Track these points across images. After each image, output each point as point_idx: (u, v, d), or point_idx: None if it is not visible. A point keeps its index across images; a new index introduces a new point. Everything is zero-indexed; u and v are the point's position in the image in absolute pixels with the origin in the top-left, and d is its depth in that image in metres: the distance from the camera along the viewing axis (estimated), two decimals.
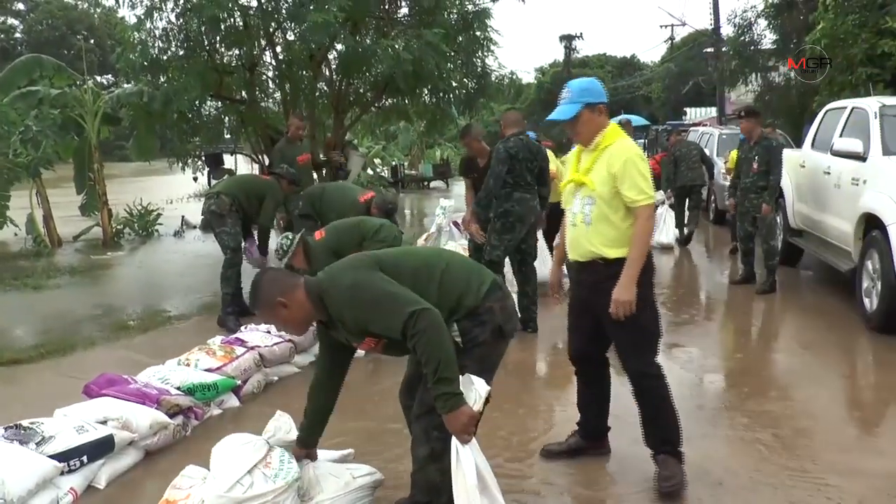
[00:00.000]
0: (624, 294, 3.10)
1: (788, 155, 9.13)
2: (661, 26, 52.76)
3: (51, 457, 3.24)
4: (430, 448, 2.73)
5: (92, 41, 42.70)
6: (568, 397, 4.31)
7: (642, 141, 15.32)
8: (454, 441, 2.53)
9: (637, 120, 15.89)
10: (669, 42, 40.27)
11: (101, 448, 3.45)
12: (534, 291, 6.09)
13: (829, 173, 7.18)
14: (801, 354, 5.56)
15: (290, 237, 5.36)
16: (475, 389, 2.55)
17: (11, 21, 52.36)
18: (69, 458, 3.30)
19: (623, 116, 8.15)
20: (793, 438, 3.86)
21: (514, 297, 5.66)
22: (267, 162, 10.76)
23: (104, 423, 3.57)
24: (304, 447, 3.06)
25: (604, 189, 3.15)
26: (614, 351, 3.41)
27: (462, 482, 2.48)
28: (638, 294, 3.11)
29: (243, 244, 6.33)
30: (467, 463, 2.49)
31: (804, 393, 4.64)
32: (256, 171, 10.43)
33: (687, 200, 10.85)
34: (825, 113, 8.15)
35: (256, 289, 2.77)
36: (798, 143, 11.15)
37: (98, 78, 25.24)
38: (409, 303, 2.54)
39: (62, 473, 3.26)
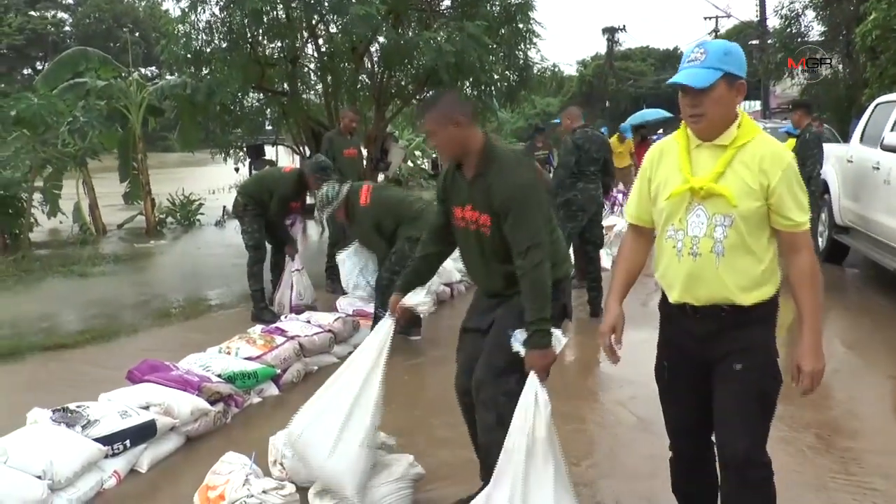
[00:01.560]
0: (817, 361, 2.33)
1: (835, 149, 8.95)
2: (706, 18, 51.83)
3: (95, 440, 3.32)
4: (497, 414, 2.75)
5: (137, 34, 43.40)
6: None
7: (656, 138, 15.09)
8: (534, 381, 2.59)
9: (652, 114, 15.56)
10: (714, 34, 39.58)
11: (144, 433, 3.52)
12: (598, 279, 6.37)
13: (878, 169, 7.01)
14: (846, 354, 5.44)
15: (336, 188, 5.35)
16: (557, 337, 2.66)
17: (61, 15, 53.54)
18: (113, 441, 3.38)
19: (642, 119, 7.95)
20: (836, 440, 3.79)
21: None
22: (308, 153, 10.87)
23: (147, 408, 3.65)
24: (401, 291, 3.01)
25: (748, 205, 2.20)
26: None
27: (535, 420, 2.54)
28: (769, 349, 2.38)
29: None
30: (544, 404, 2.56)
31: (848, 393, 4.55)
32: (297, 162, 10.51)
33: None
34: (875, 106, 7.95)
35: (443, 96, 2.91)
36: (845, 138, 10.92)
37: (143, 70, 25.66)
38: (544, 235, 2.69)
39: (106, 456, 3.34)
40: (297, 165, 6.57)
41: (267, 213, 6.21)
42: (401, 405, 4.31)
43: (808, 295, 2.29)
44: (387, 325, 2.96)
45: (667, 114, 13.90)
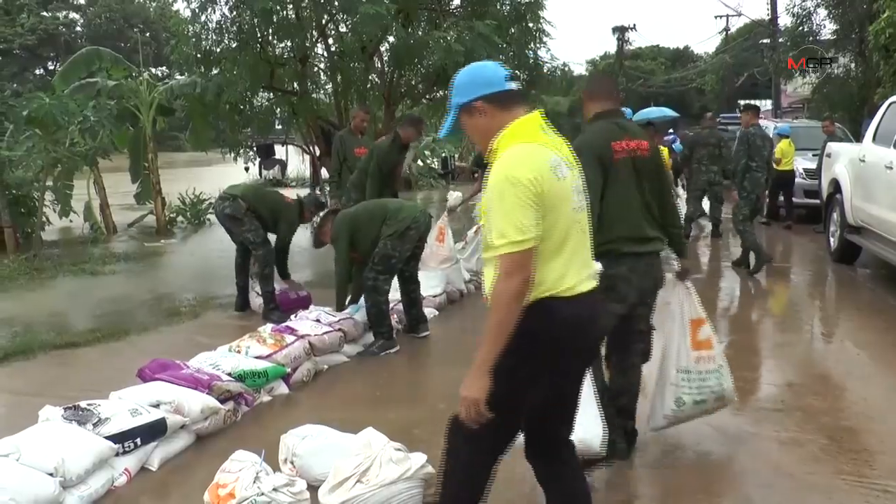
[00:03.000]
0: (469, 389, 2.13)
1: (847, 149, 8.92)
2: (716, 17, 51.76)
3: (106, 438, 3.33)
4: None
5: (148, 34, 43.62)
6: None
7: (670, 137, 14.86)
8: None
9: (655, 112, 15.43)
10: (724, 33, 39.48)
11: (154, 431, 3.53)
12: None
13: (892, 168, 6.97)
14: (858, 355, 5.42)
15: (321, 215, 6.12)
16: None
17: (73, 15, 53.86)
18: (124, 439, 3.39)
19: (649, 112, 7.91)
20: (848, 441, 3.76)
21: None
22: (318, 152, 10.90)
23: (157, 406, 3.66)
24: None
25: (483, 221, 2.25)
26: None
27: None
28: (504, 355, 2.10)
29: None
30: None
31: (860, 394, 4.52)
32: (307, 164, 10.50)
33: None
34: (889, 105, 7.90)
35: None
36: (857, 137, 10.86)
37: (153, 70, 25.76)
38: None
39: (117, 454, 3.35)
40: (295, 196, 6.74)
41: (264, 227, 6.36)
42: (412, 403, 4.31)
43: (489, 318, 2.11)
44: None
45: (671, 113, 13.81)
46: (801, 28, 18.44)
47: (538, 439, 2.42)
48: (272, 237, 6.43)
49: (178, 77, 12.23)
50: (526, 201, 2.08)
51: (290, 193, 6.81)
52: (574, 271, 2.20)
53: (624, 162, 3.27)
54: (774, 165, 10.05)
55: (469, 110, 2.27)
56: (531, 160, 2.14)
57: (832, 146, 9.68)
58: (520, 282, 2.07)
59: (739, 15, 42.74)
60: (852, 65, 17.75)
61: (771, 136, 9.93)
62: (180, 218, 13.02)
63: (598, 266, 2.41)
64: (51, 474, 3.01)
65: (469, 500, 2.39)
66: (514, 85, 2.31)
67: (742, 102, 14.99)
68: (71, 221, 11.65)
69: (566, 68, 11.28)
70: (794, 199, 11.97)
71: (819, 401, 4.38)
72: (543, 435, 2.42)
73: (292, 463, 3.29)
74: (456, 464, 2.37)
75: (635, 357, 3.50)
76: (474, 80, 2.30)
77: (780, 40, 22.14)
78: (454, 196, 8.13)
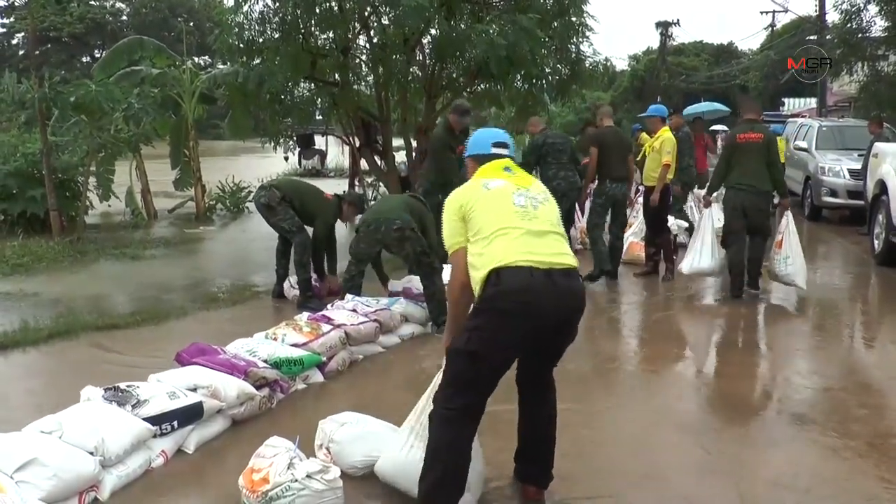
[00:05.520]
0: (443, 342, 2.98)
1: (894, 149, 8.73)
2: (762, 13, 50.49)
3: (145, 419, 3.39)
4: None
5: (192, 24, 44.14)
6: None
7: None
8: None
9: (705, 107, 15.14)
10: (770, 29, 38.73)
11: (191, 414, 3.58)
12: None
13: None
14: None
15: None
16: None
17: (119, 4, 54.73)
18: (161, 422, 3.44)
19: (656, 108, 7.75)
20: (889, 448, 3.68)
21: None
22: (358, 143, 10.93)
23: (194, 390, 3.71)
24: None
25: None
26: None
27: None
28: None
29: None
30: None
31: None
32: (346, 154, 10.48)
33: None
34: None
35: None
36: None
37: (196, 59, 26.05)
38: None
39: (154, 436, 3.41)
40: (334, 194, 6.75)
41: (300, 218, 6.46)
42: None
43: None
44: None
45: (723, 108, 13.61)
46: (849, 24, 17.97)
47: (523, 371, 3.03)
48: (311, 230, 6.49)
49: (221, 66, 12.35)
50: (451, 217, 2.89)
51: (330, 191, 6.81)
52: (521, 250, 2.69)
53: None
54: None
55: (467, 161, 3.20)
56: (461, 190, 2.96)
57: (879, 146, 9.48)
58: (457, 271, 2.88)
59: (786, 11, 41.76)
60: None
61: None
62: (219, 205, 13.17)
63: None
64: (91, 453, 3.06)
65: (445, 474, 2.72)
66: (496, 150, 3.07)
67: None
68: (109, 206, 11.80)
69: (608, 63, 11.14)
70: (837, 199, 11.96)
71: (860, 406, 4.29)
72: (525, 371, 3.02)
73: (328, 449, 3.32)
74: (434, 441, 2.75)
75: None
76: (471, 142, 3.23)
77: (828, 37, 21.65)
78: None
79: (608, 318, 6.50)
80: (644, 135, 8.67)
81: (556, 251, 2.77)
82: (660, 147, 7.50)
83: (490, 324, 2.68)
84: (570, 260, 2.79)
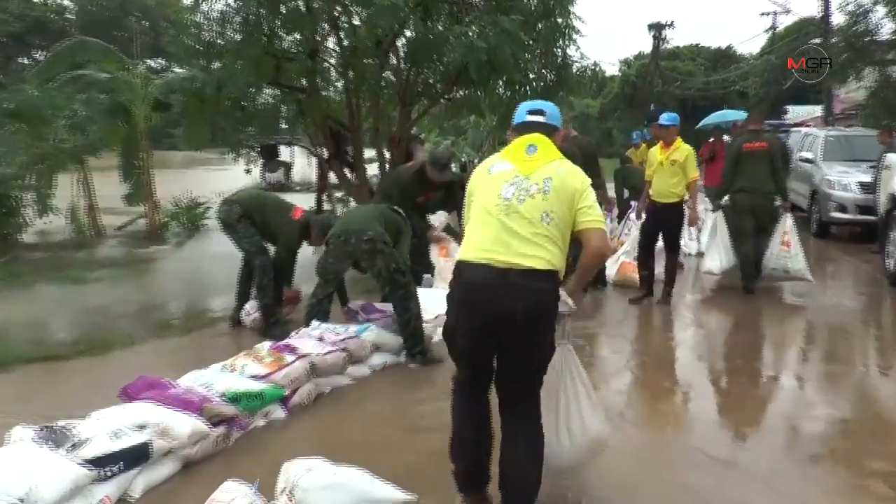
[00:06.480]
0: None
1: None
2: (762, 14, 51.44)
3: (85, 462, 3.29)
4: None
5: (145, 23, 44.01)
6: None
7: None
8: None
9: (732, 115, 15.32)
10: (771, 32, 39.35)
11: (137, 455, 3.50)
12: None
13: None
14: None
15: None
16: None
17: (65, 1, 54.42)
18: (104, 464, 3.35)
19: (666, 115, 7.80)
20: None
21: None
22: (326, 155, 10.89)
23: (142, 428, 3.62)
24: None
25: None
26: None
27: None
28: None
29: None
30: None
31: None
32: (314, 167, 10.39)
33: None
34: None
35: None
36: None
37: (149, 62, 25.96)
38: None
39: (96, 481, 3.31)
40: (303, 211, 6.64)
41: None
42: (415, 435, 4.26)
43: None
44: None
45: (740, 114, 13.74)
46: (856, 27, 18.26)
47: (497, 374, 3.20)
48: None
49: (177, 70, 12.28)
50: (468, 199, 3.29)
51: (299, 208, 6.68)
52: (483, 247, 3.03)
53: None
54: None
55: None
56: (475, 172, 3.34)
57: (891, 157, 9.58)
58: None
59: (788, 13, 42.54)
60: None
61: None
62: (174, 222, 13.07)
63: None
64: (20, 501, 2.97)
65: (455, 432, 3.28)
66: (530, 118, 3.33)
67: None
68: (48, 223, 11.57)
69: (597, 68, 11.19)
70: (846, 215, 12.03)
71: (875, 443, 4.28)
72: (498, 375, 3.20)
73: (291, 494, 3.24)
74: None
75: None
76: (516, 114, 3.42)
77: (833, 40, 21.98)
78: (439, 220, 8.08)
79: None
80: (648, 147, 8.74)
81: (519, 252, 2.99)
82: (685, 161, 7.47)
83: (450, 311, 3.18)
84: (531, 262, 2.98)
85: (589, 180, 3.19)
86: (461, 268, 3.10)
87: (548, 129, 3.28)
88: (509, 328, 2.98)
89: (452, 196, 7.47)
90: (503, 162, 3.21)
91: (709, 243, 8.79)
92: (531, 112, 3.34)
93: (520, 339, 3.03)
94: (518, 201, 3.05)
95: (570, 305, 3.17)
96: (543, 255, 3.00)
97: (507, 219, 3.04)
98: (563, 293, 3.13)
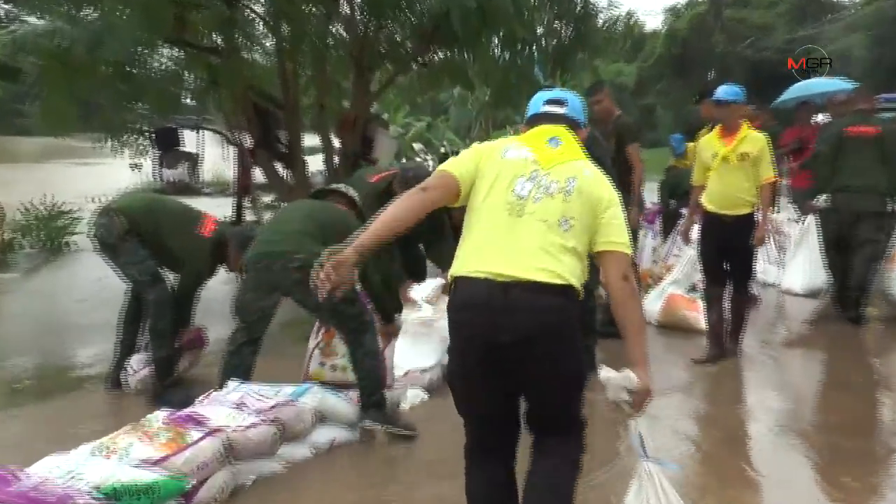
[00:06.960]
0: None
1: None
2: None
3: None
4: None
5: None
6: None
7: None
8: None
9: (822, 85, 15.37)
10: None
11: None
12: None
13: None
14: None
15: None
16: None
17: None
18: None
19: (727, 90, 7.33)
20: None
21: None
22: (249, 142, 10.90)
23: None
24: None
25: None
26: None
27: None
28: None
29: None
30: None
31: None
32: (234, 160, 10.33)
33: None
34: None
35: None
36: None
37: None
38: None
39: None
40: (215, 223, 6.62)
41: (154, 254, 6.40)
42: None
43: None
44: None
45: (845, 85, 13.73)
46: None
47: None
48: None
49: (31, 20, 12.26)
50: (467, 156, 3.59)
51: (210, 218, 6.66)
52: (481, 258, 3.31)
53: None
54: None
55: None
56: (488, 143, 3.65)
57: None
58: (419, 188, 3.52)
59: None
60: None
61: None
62: (25, 240, 13.03)
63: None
64: None
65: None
66: (548, 108, 3.70)
67: None
68: None
69: (632, 20, 11.23)
70: None
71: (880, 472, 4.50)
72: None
73: None
74: None
75: None
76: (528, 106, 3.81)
77: None
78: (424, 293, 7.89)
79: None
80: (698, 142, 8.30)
81: (526, 263, 3.24)
82: (759, 155, 7.05)
83: (451, 340, 3.46)
84: (540, 275, 3.22)
85: (618, 195, 3.41)
86: (457, 284, 3.37)
87: (570, 123, 3.60)
88: (519, 359, 3.21)
89: (440, 240, 7.44)
90: (521, 147, 3.51)
91: (794, 253, 9.38)
92: (549, 102, 3.68)
93: (538, 371, 3.28)
94: (534, 200, 3.34)
95: (633, 384, 3.24)
96: (555, 269, 3.22)
97: (517, 221, 3.31)
98: (618, 374, 3.25)
